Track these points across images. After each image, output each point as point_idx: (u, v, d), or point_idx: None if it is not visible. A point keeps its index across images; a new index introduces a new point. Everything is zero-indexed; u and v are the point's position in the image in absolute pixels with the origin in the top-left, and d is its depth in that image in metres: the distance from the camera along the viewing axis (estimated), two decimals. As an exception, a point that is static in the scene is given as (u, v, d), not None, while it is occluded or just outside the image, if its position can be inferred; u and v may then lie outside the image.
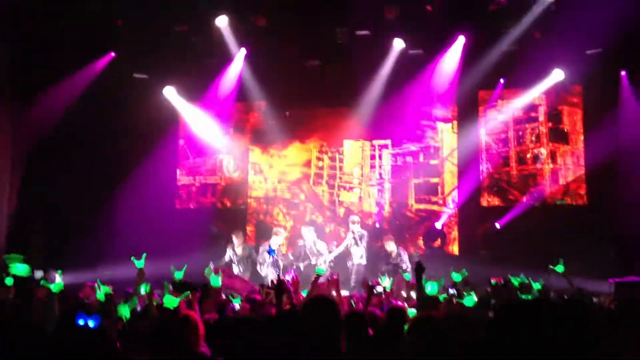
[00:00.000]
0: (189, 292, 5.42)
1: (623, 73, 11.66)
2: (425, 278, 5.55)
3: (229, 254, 10.98)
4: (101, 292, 5.72)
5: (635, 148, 11.02)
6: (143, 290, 6.04)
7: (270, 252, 10.16)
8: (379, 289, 6.90)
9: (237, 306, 6.40)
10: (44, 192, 12.42)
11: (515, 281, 7.07)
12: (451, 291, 6.52)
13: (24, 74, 12.17)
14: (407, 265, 10.63)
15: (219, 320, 5.01)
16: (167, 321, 4.48)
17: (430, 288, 6.04)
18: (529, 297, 6.42)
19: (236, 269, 10.83)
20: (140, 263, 6.28)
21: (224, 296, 6.78)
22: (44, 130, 12.26)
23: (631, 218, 10.63)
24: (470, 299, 5.84)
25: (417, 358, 3.40)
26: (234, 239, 11.12)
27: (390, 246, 11.07)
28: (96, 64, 12.52)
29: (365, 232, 11.27)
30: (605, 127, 11.38)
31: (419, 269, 5.51)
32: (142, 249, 6.54)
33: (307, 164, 13.48)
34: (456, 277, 6.97)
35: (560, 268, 6.25)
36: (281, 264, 10.39)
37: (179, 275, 6.76)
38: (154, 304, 5.40)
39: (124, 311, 5.39)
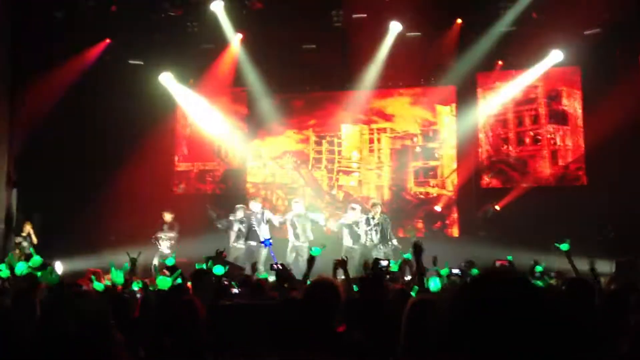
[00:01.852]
0: (180, 270, 5.35)
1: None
2: (426, 278, 5.43)
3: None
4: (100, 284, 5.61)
5: (634, 128, 10.95)
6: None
7: (266, 243, 10.07)
8: (384, 262, 6.79)
9: (236, 290, 6.34)
10: (41, 178, 12.32)
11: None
12: (455, 271, 6.47)
13: (18, 62, 12.02)
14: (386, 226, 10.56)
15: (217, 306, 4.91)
16: (167, 306, 4.42)
17: (433, 285, 5.67)
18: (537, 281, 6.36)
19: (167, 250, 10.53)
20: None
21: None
22: (38, 118, 12.13)
23: (630, 198, 10.59)
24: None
25: (415, 340, 3.36)
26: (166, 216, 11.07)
27: (356, 211, 10.88)
28: (92, 51, 12.41)
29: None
30: (604, 107, 11.31)
31: (417, 251, 5.43)
32: (141, 235, 6.43)
33: (306, 148, 13.39)
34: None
35: (565, 246, 6.16)
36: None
37: (170, 262, 6.24)
38: (150, 289, 5.33)
39: (118, 277, 5.24)
